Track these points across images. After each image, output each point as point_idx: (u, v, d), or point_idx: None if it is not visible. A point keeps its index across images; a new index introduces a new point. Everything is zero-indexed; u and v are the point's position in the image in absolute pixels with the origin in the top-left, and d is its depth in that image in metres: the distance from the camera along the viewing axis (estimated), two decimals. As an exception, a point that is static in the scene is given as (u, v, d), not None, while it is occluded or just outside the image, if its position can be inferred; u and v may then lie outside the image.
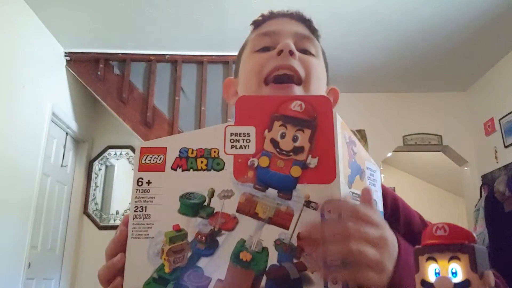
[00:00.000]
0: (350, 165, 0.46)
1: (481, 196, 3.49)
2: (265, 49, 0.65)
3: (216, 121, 3.13)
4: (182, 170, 0.45)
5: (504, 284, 0.54)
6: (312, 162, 0.43)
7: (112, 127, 3.89)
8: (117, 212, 3.84)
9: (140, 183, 0.45)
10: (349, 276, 0.38)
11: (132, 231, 0.44)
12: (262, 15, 0.71)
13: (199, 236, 0.43)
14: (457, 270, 0.32)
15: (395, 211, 0.61)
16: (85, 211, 3.78)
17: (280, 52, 0.62)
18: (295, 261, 0.41)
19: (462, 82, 3.97)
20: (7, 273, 2.60)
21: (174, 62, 3.38)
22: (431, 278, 0.33)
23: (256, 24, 0.71)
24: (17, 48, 2.69)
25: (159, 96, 3.30)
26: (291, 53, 0.62)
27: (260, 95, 0.63)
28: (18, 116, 2.70)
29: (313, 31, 0.70)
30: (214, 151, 0.45)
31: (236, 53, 0.78)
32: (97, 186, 3.88)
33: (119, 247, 0.45)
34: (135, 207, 0.45)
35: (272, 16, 0.70)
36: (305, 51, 0.65)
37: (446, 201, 6.26)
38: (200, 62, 3.38)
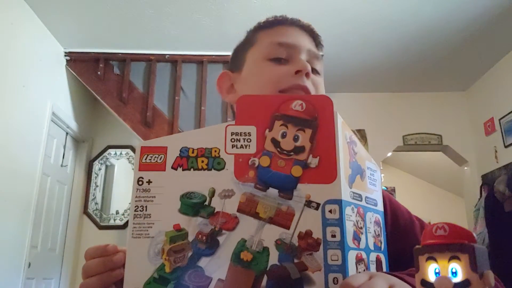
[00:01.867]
0: (351, 165, 0.46)
1: (481, 196, 3.49)
2: (280, 60, 0.66)
3: (216, 121, 3.13)
4: (183, 170, 0.45)
5: None
6: (313, 161, 0.43)
7: (112, 127, 3.89)
8: (117, 212, 3.84)
9: (140, 183, 0.45)
10: None
11: (133, 230, 0.44)
12: (275, 18, 0.71)
13: (200, 236, 0.43)
14: (457, 270, 0.32)
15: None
16: (85, 211, 3.78)
17: (297, 72, 0.63)
18: (296, 261, 0.41)
19: (462, 82, 3.97)
20: (7, 273, 2.60)
21: (174, 62, 3.38)
22: (431, 278, 0.33)
23: (267, 24, 0.71)
24: (17, 48, 2.69)
25: (159, 96, 3.30)
26: (307, 75, 0.64)
27: (261, 94, 0.63)
28: (18, 116, 2.70)
29: (320, 46, 0.71)
30: (215, 151, 0.45)
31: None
32: (97, 186, 3.88)
33: (98, 253, 0.49)
34: (135, 207, 0.45)
35: (285, 22, 0.70)
36: (315, 71, 0.67)
37: (446, 201, 6.27)
38: (200, 62, 3.38)
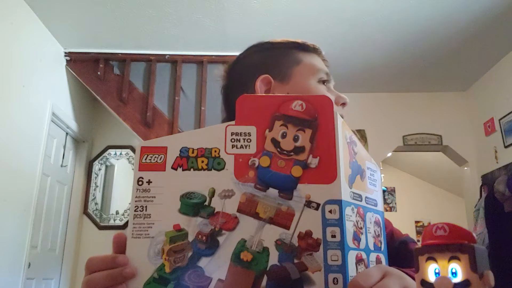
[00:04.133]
0: (351, 165, 0.46)
1: (481, 196, 3.49)
2: (325, 82, 0.76)
3: (216, 121, 3.11)
4: (183, 170, 0.45)
5: None
6: (313, 162, 0.43)
7: (112, 127, 3.89)
8: (117, 212, 3.84)
9: (140, 183, 0.45)
10: None
11: (133, 230, 0.44)
12: (312, 45, 0.79)
13: (200, 236, 0.43)
14: (457, 270, 0.32)
15: None
16: (85, 211, 3.78)
17: (343, 105, 0.75)
18: (296, 261, 0.41)
19: (462, 82, 3.97)
20: (7, 273, 2.60)
21: (174, 62, 3.38)
22: (431, 278, 0.33)
23: (306, 48, 0.78)
24: (17, 48, 2.69)
25: (159, 96, 3.30)
26: (343, 106, 0.75)
27: (261, 94, 0.63)
28: (18, 116, 2.70)
29: None
30: (215, 151, 0.45)
31: (235, 53, 0.80)
32: (97, 186, 3.88)
33: (105, 264, 0.44)
34: (135, 207, 0.45)
35: (320, 52, 0.80)
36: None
37: (446, 201, 6.27)
38: (200, 62, 3.38)
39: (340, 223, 0.42)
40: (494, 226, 3.04)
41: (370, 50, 3.37)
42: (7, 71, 2.58)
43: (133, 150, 3.91)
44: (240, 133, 0.45)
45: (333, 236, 0.41)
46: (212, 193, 0.44)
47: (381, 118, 4.01)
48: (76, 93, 3.54)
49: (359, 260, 0.43)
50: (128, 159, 3.94)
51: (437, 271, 0.32)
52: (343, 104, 0.74)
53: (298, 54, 0.77)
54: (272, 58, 0.78)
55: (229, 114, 0.83)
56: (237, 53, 0.83)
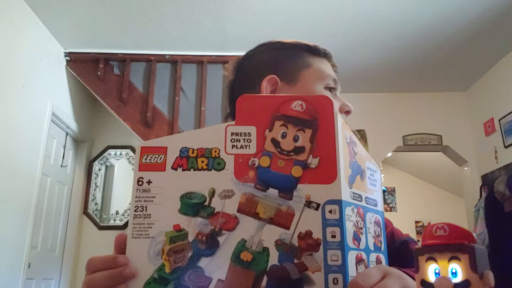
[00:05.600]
0: (351, 165, 0.46)
1: (481, 196, 3.49)
2: (331, 90, 0.75)
3: (216, 121, 3.13)
4: (183, 170, 0.45)
5: None
6: (313, 162, 0.43)
7: (112, 127, 3.89)
8: (117, 212, 3.84)
9: (140, 183, 0.46)
10: None
11: (132, 231, 0.44)
12: (324, 49, 0.78)
13: (200, 236, 0.43)
14: (457, 270, 0.32)
15: None
16: (85, 211, 3.78)
17: (347, 113, 0.75)
18: (296, 261, 0.41)
19: (462, 82, 3.97)
20: (7, 273, 2.60)
21: (174, 62, 3.38)
22: (431, 278, 0.33)
23: (317, 52, 0.77)
24: (16, 48, 2.69)
25: (159, 96, 3.30)
26: (347, 114, 0.75)
27: (261, 94, 0.63)
28: (18, 116, 2.70)
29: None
30: (215, 151, 0.45)
31: (235, 53, 0.79)
32: (97, 186, 3.87)
33: (105, 265, 0.44)
34: (135, 207, 0.45)
35: (330, 57, 0.79)
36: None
37: (446, 201, 6.27)
38: (200, 62, 3.38)
39: (340, 223, 0.42)
40: (494, 226, 3.04)
41: (370, 50, 3.37)
42: (7, 71, 2.58)
43: (133, 150, 3.91)
44: (240, 133, 0.45)
45: (333, 236, 0.41)
46: (212, 193, 0.44)
47: (381, 118, 4.01)
48: (76, 93, 3.54)
49: (359, 260, 0.43)
50: (128, 159, 3.94)
51: (437, 271, 0.32)
52: (347, 112, 0.74)
53: (309, 58, 0.76)
54: (282, 59, 0.77)
55: (232, 110, 0.82)
56: (237, 53, 0.83)
